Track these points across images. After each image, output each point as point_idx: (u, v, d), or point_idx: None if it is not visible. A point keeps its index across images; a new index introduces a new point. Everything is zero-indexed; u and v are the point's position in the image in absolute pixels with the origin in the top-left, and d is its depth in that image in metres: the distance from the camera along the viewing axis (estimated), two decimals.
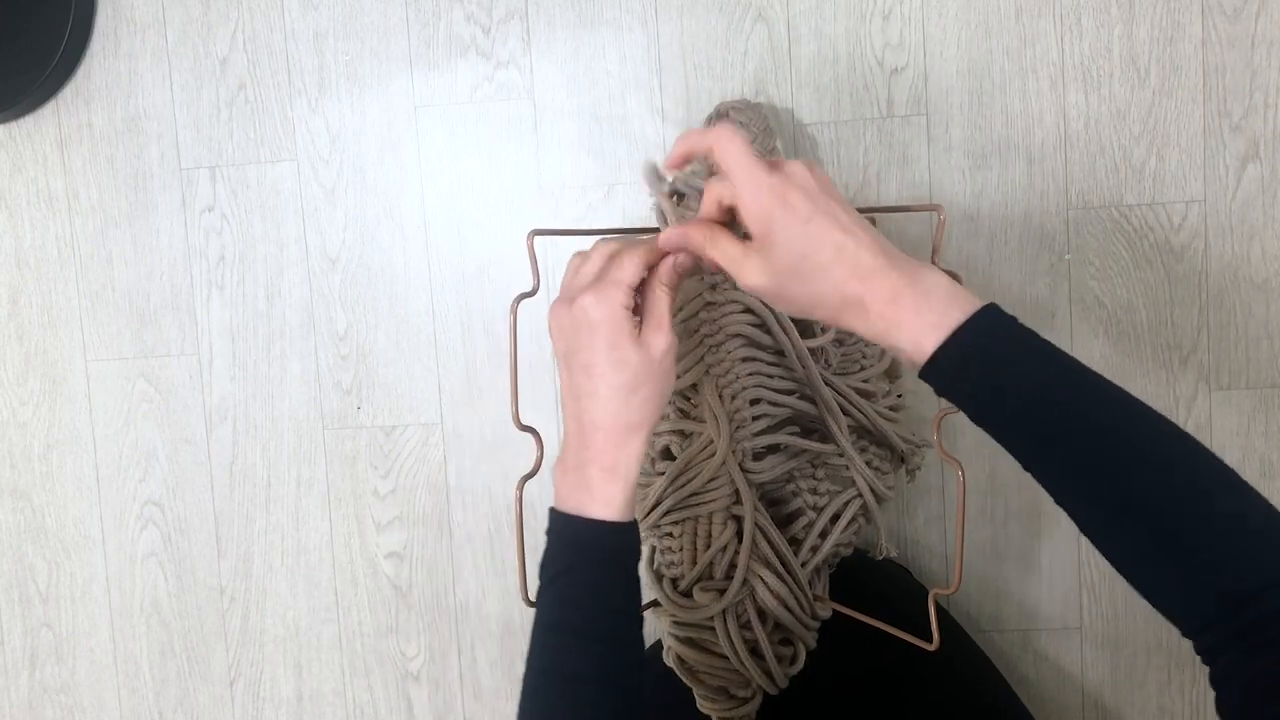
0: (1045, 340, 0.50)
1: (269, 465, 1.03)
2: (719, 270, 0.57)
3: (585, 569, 0.57)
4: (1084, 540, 1.00)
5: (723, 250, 0.55)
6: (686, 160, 0.57)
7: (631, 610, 0.59)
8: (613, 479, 0.57)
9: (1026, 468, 0.50)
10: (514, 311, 0.64)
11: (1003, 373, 0.49)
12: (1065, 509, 0.49)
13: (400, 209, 1.00)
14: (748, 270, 0.54)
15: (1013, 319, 0.50)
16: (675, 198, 0.66)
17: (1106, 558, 0.49)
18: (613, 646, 0.58)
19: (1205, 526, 0.45)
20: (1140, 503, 0.46)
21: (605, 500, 0.57)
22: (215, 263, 1.02)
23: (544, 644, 0.59)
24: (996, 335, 0.50)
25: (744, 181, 0.53)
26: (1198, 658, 0.46)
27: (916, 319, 0.50)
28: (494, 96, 0.98)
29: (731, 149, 0.53)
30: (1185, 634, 0.46)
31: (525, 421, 0.64)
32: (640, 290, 0.58)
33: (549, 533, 0.59)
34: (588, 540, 0.57)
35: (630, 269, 0.57)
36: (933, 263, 0.64)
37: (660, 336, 0.57)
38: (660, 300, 0.58)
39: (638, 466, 0.58)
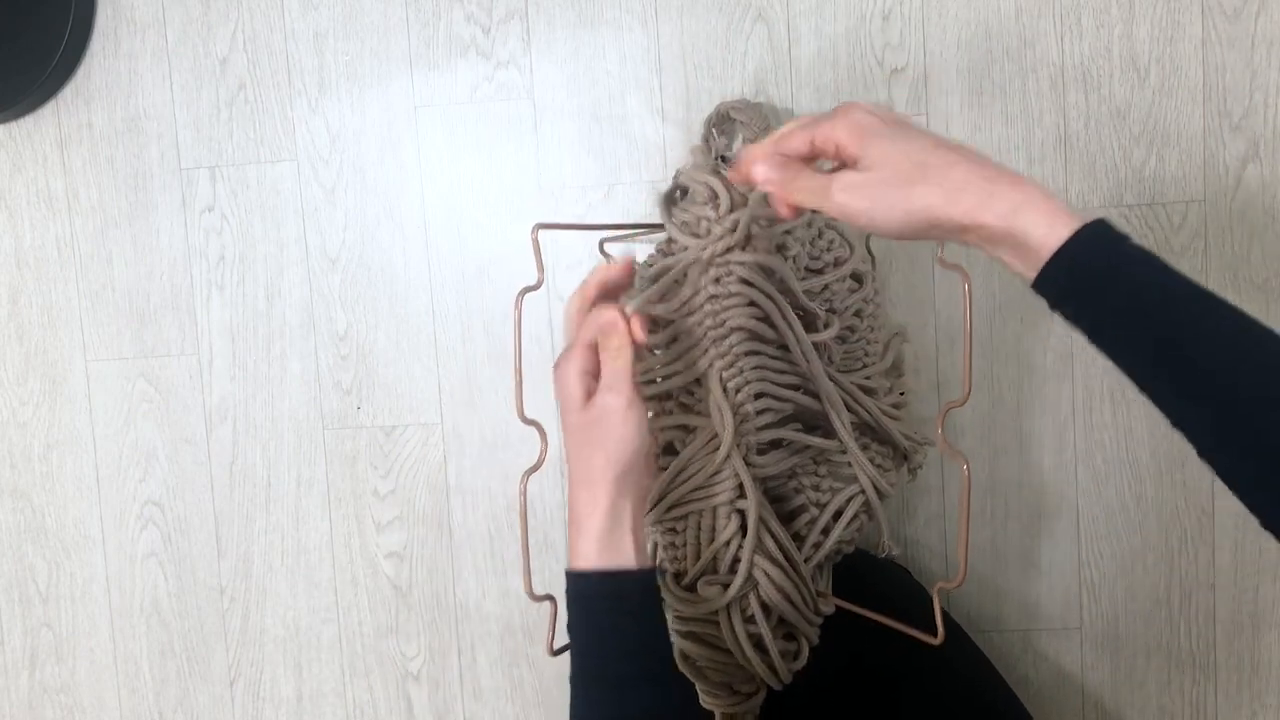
0: (1159, 260, 0.49)
1: (269, 465, 1.03)
2: (795, 214, 0.57)
3: (581, 619, 0.60)
4: (1084, 540, 1.01)
5: (805, 183, 0.55)
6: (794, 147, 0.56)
7: (634, 652, 0.60)
8: (576, 530, 0.60)
9: (1144, 379, 0.48)
10: (518, 305, 0.64)
11: (1132, 272, 0.47)
12: (1182, 430, 0.47)
13: (400, 209, 1.00)
14: (838, 192, 0.52)
15: (1127, 235, 0.49)
16: (723, 160, 0.67)
17: (1225, 482, 0.47)
18: (622, 687, 0.59)
19: None
20: (1259, 418, 0.45)
21: (574, 550, 0.60)
22: (215, 263, 1.02)
23: (573, 694, 0.61)
24: (1121, 237, 0.48)
25: (832, 119, 0.53)
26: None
27: (1049, 202, 0.48)
28: (494, 96, 0.98)
29: (802, 122, 0.55)
30: None
31: (528, 416, 0.65)
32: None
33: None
34: (571, 590, 0.61)
35: (588, 331, 0.60)
36: (939, 256, 0.64)
37: (597, 398, 0.59)
38: (603, 363, 0.60)
39: (602, 518, 0.60)
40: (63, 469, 1.05)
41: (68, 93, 1.02)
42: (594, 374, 0.60)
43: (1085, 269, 0.47)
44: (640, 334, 0.60)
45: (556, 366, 0.61)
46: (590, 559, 0.59)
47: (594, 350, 0.60)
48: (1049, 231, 0.48)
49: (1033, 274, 0.49)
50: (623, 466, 0.59)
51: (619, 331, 0.59)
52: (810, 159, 0.56)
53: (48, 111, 1.02)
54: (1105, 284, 0.47)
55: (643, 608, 0.61)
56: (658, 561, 0.76)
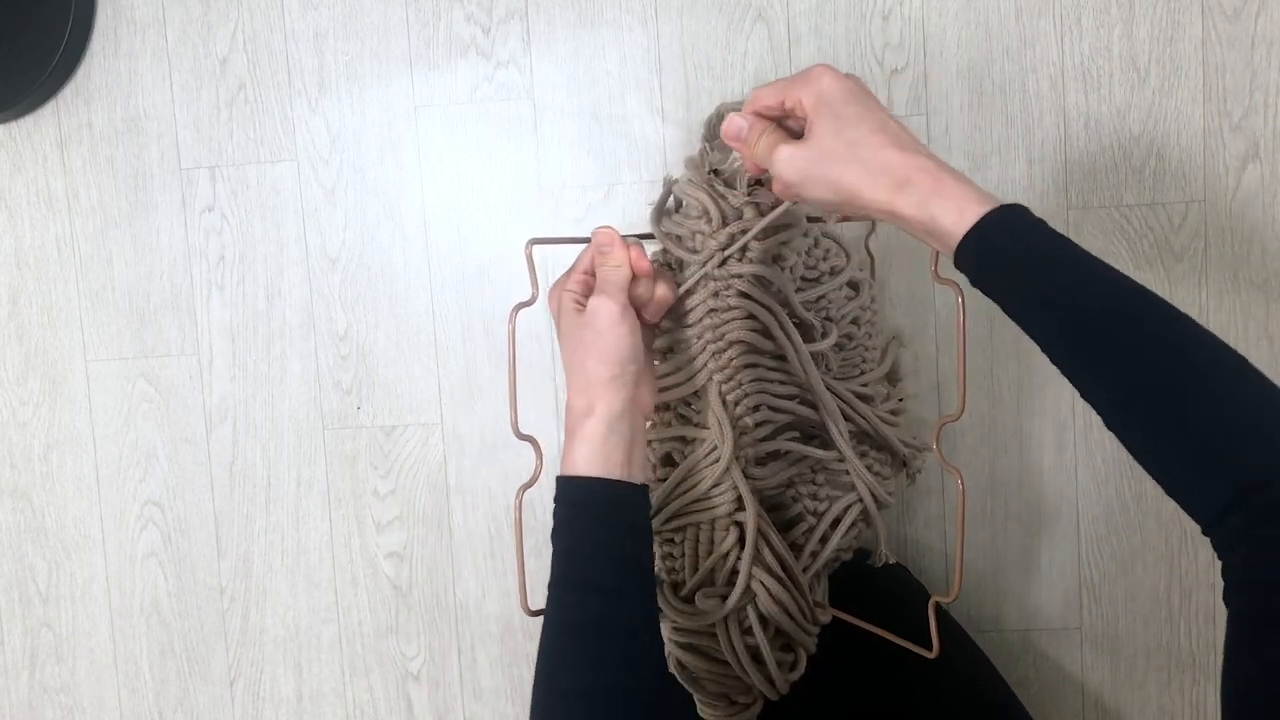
0: (1070, 241, 0.52)
1: (269, 465, 1.03)
2: (759, 171, 0.61)
3: (565, 522, 0.61)
4: (1084, 540, 1.01)
5: (766, 142, 0.58)
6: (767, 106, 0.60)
7: (615, 558, 0.61)
8: (570, 437, 0.62)
9: (1049, 351, 0.51)
10: (512, 320, 0.64)
11: (1040, 250, 0.51)
12: (1090, 402, 0.50)
13: (400, 209, 1.00)
14: (781, 157, 0.57)
15: (1042, 220, 0.53)
16: (714, 174, 0.68)
17: (1127, 448, 0.49)
18: (605, 593, 0.60)
19: (1219, 413, 0.46)
20: (1158, 389, 0.47)
21: (568, 457, 0.61)
22: (215, 263, 1.02)
23: (548, 598, 0.61)
24: (1030, 222, 0.52)
25: (795, 75, 0.57)
26: (1216, 562, 0.46)
27: (958, 191, 0.52)
28: (494, 96, 0.98)
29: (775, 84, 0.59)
30: (1203, 528, 0.47)
31: (527, 425, 0.65)
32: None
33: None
34: (559, 494, 0.62)
35: (584, 258, 0.64)
36: (932, 271, 0.65)
37: (590, 300, 0.61)
38: (601, 275, 0.62)
39: (599, 424, 0.61)
40: (63, 469, 1.05)
41: (68, 93, 1.02)
42: (588, 297, 0.62)
43: (990, 247, 0.51)
44: (642, 263, 0.62)
45: (552, 290, 0.64)
46: (579, 465, 0.60)
47: (591, 276, 0.63)
48: (959, 219, 0.52)
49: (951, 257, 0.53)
50: (616, 368, 0.61)
51: (618, 247, 0.62)
52: (783, 117, 0.59)
53: (48, 111, 1.02)
54: (1009, 260, 0.51)
55: (629, 521, 0.62)
56: (656, 572, 0.76)
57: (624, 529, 0.61)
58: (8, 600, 1.07)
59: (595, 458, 0.60)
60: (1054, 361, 0.51)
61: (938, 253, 0.65)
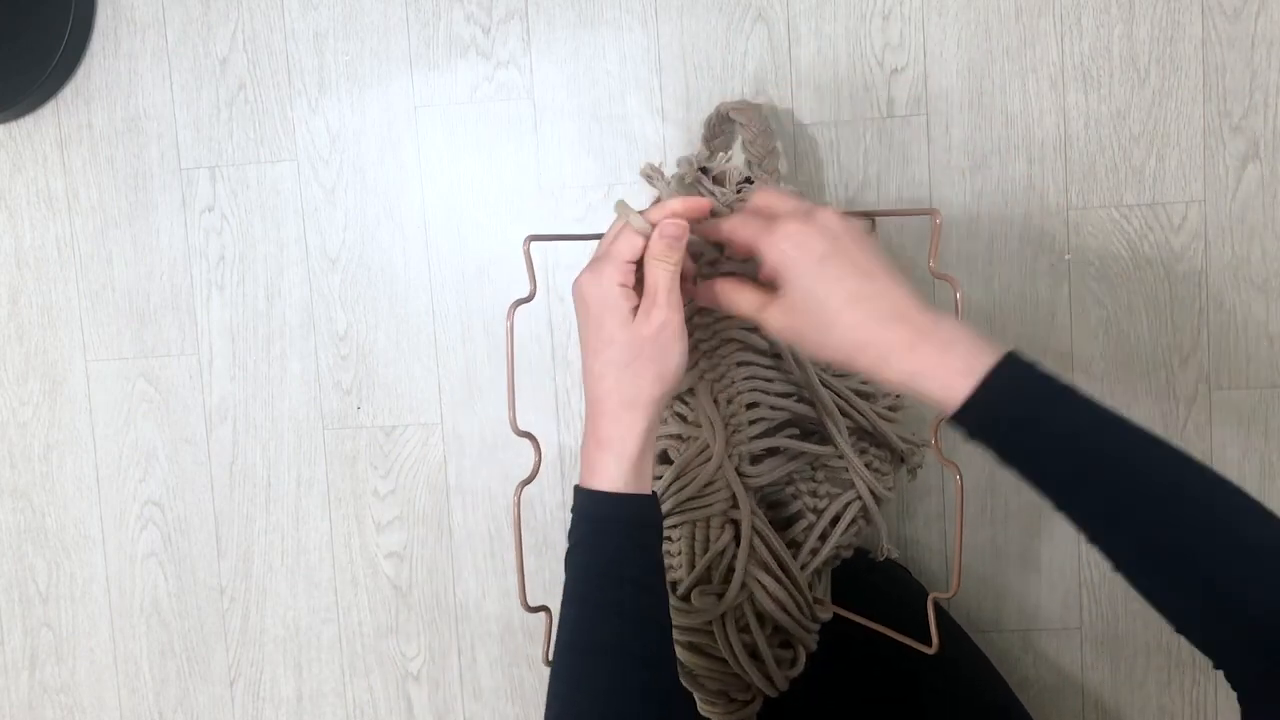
0: (1068, 384, 0.50)
1: (269, 465, 1.03)
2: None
3: (592, 538, 0.59)
4: (1084, 540, 1.00)
5: (745, 299, 0.57)
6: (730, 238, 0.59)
7: (642, 581, 0.59)
8: (605, 451, 0.58)
9: (1058, 508, 0.50)
10: (511, 317, 0.64)
11: (1033, 418, 0.49)
12: (1098, 548, 0.50)
13: (400, 209, 1.00)
14: (767, 316, 0.55)
15: (1034, 363, 0.51)
16: (703, 172, 0.67)
17: (1141, 594, 0.49)
18: (627, 617, 0.58)
19: (1236, 562, 0.45)
20: (1170, 541, 0.47)
21: (599, 471, 0.58)
22: (215, 263, 1.02)
23: (563, 617, 0.59)
24: (1025, 382, 0.50)
25: (762, 235, 0.54)
26: (1226, 684, 0.47)
27: (941, 366, 0.50)
28: (494, 96, 0.98)
29: (748, 217, 0.56)
30: (1223, 671, 0.47)
31: (525, 424, 0.64)
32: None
33: (572, 509, 0.61)
34: (588, 510, 0.59)
35: (625, 245, 0.58)
36: (930, 265, 0.64)
37: (655, 312, 0.57)
38: (655, 275, 0.58)
39: (637, 441, 0.58)
40: (63, 469, 1.05)
41: (68, 93, 1.02)
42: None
43: (983, 425, 0.50)
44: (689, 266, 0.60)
45: (587, 279, 0.58)
46: (616, 482, 0.58)
47: (634, 266, 0.58)
48: (945, 395, 0.50)
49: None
50: (668, 387, 0.58)
51: (683, 243, 0.58)
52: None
53: (48, 111, 1.02)
54: (1003, 435, 0.50)
55: (653, 539, 0.61)
56: None
57: (652, 549, 0.60)
58: (8, 600, 1.07)
59: (631, 474, 0.58)
60: (1061, 511, 0.51)
61: (935, 248, 0.65)
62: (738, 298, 0.58)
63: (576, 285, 0.59)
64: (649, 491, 0.60)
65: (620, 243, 0.58)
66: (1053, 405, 0.50)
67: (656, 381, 0.58)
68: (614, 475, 0.58)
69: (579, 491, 0.60)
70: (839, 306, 0.52)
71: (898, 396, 0.78)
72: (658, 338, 0.57)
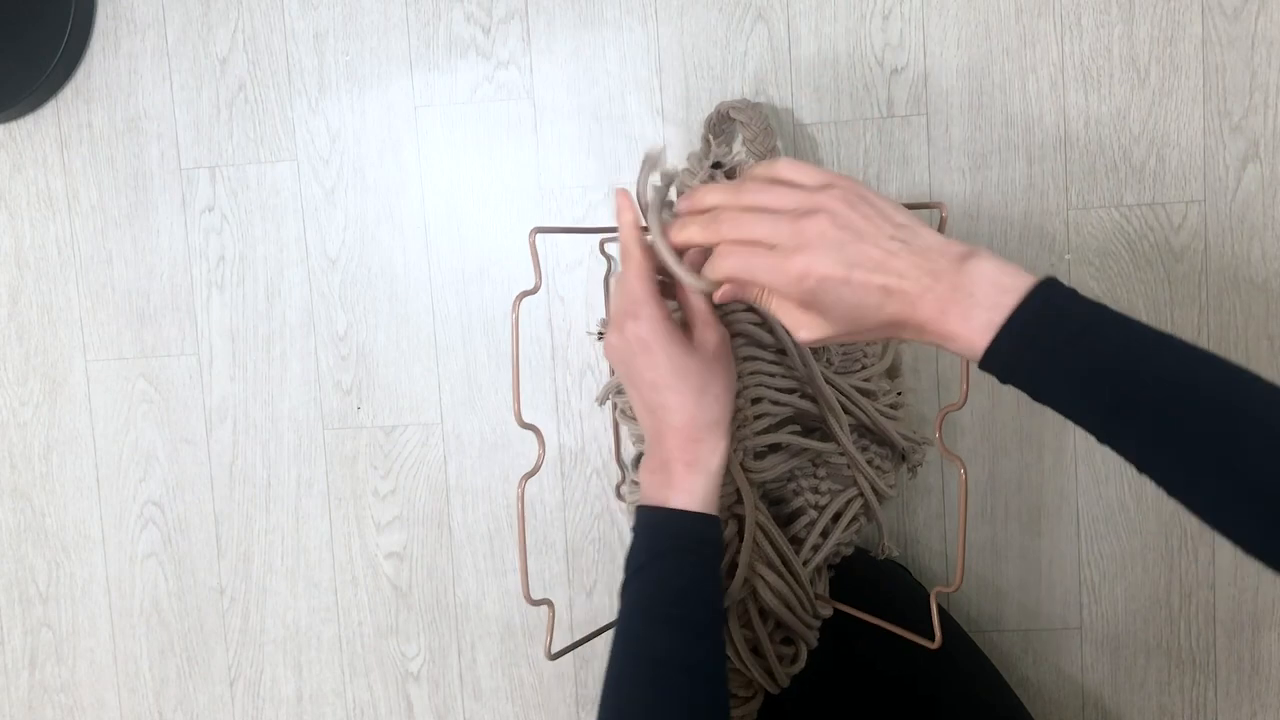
0: (1101, 307, 0.49)
1: (269, 465, 1.03)
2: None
3: (670, 556, 0.60)
4: (1084, 540, 1.01)
5: (780, 315, 0.56)
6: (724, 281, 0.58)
7: (712, 603, 0.61)
8: (693, 471, 0.60)
9: (1101, 441, 0.50)
10: (516, 309, 0.64)
11: (1058, 354, 0.48)
12: (1147, 474, 0.49)
13: (400, 209, 1.00)
14: (803, 329, 0.54)
15: (1068, 292, 0.50)
16: (716, 167, 0.68)
17: (1195, 514, 0.48)
18: (698, 634, 0.59)
19: None
20: (1222, 456, 0.46)
21: (686, 490, 0.60)
22: (215, 263, 1.02)
23: (628, 631, 0.60)
24: (1046, 319, 0.49)
25: (770, 278, 0.53)
26: None
27: (966, 326, 0.50)
28: (494, 96, 0.98)
29: (739, 266, 0.54)
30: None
31: (525, 420, 0.65)
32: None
33: (634, 529, 0.62)
34: (670, 529, 0.60)
35: (638, 285, 0.59)
36: None
37: (710, 333, 0.59)
38: (696, 300, 0.60)
39: (720, 460, 0.60)
40: (63, 469, 1.05)
41: (68, 93, 1.02)
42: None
43: (1009, 372, 0.50)
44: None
45: (636, 325, 0.58)
46: (703, 501, 0.59)
47: (664, 278, 0.59)
48: (971, 355, 0.50)
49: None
50: (733, 396, 0.61)
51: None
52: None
53: (48, 111, 1.02)
54: (1031, 380, 0.50)
55: (719, 560, 0.62)
56: None
57: (719, 570, 0.61)
58: (8, 600, 1.07)
59: (711, 495, 0.60)
60: (1101, 440, 0.50)
61: None
62: (783, 313, 0.56)
63: (626, 333, 0.59)
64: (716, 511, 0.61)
65: (636, 283, 0.59)
66: (1076, 339, 0.48)
67: (728, 395, 0.60)
68: (701, 494, 0.60)
69: (657, 512, 0.60)
70: (875, 306, 0.51)
71: (899, 394, 0.78)
72: (720, 356, 0.60)
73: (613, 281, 0.62)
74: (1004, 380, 0.51)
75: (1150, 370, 0.47)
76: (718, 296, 0.58)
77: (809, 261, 0.51)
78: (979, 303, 0.49)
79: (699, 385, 0.59)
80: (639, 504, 0.62)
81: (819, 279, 0.51)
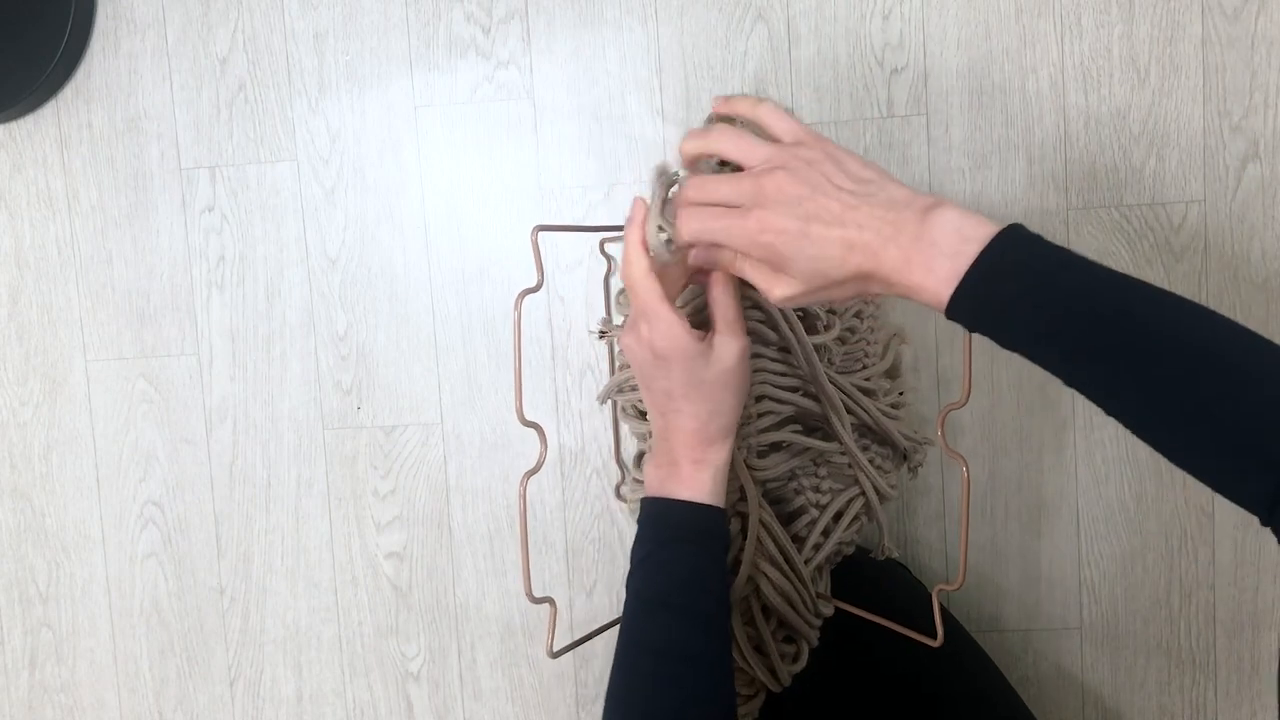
0: (1065, 251, 0.49)
1: (269, 465, 1.03)
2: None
3: (673, 546, 0.60)
4: (1084, 540, 1.01)
5: (752, 277, 0.57)
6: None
7: (716, 593, 0.61)
8: (701, 468, 0.61)
9: (1068, 384, 0.50)
10: (518, 307, 0.64)
11: (1020, 299, 0.49)
12: (1114, 417, 0.49)
13: (400, 209, 1.00)
14: (775, 288, 0.55)
15: (1032, 238, 0.50)
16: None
17: (1165, 456, 0.48)
18: (701, 624, 0.60)
19: (1255, 404, 0.45)
20: (1190, 399, 0.46)
21: (692, 484, 0.61)
22: (215, 263, 1.02)
23: (632, 620, 0.61)
24: (1008, 265, 0.49)
25: (732, 236, 0.54)
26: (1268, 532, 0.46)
27: (930, 276, 0.50)
28: (494, 96, 0.98)
29: (700, 227, 0.55)
30: (1260, 520, 0.46)
31: (527, 418, 0.65)
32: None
33: (640, 520, 0.62)
34: (675, 519, 0.61)
35: (646, 289, 0.58)
36: None
37: (732, 342, 0.59)
38: (722, 302, 0.60)
39: (726, 456, 0.62)
40: (63, 469, 1.05)
41: (68, 93, 1.02)
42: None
43: (973, 319, 0.50)
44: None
45: (655, 333, 0.58)
46: (706, 493, 0.60)
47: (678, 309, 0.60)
48: (937, 304, 0.50)
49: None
50: (744, 402, 0.61)
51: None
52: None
53: (48, 111, 1.02)
54: (995, 325, 0.50)
55: (725, 552, 0.63)
56: None
57: (724, 562, 0.62)
58: (8, 600, 1.07)
59: (718, 489, 0.61)
60: (1069, 384, 0.50)
61: None
62: (749, 274, 0.57)
63: (641, 341, 0.59)
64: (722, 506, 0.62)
65: (650, 288, 0.59)
66: (1038, 284, 0.49)
67: (740, 403, 0.61)
68: (709, 488, 0.61)
69: (663, 503, 0.61)
70: (838, 258, 0.51)
71: (901, 394, 0.78)
72: (738, 366, 0.60)
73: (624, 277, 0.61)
74: (971, 328, 0.51)
75: (1113, 313, 0.48)
76: (690, 260, 0.58)
77: (766, 216, 0.52)
78: (942, 251, 0.50)
79: (713, 396, 0.60)
80: (644, 496, 0.63)
81: (776, 233, 0.52)
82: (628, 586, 0.62)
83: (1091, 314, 0.48)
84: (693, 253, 0.58)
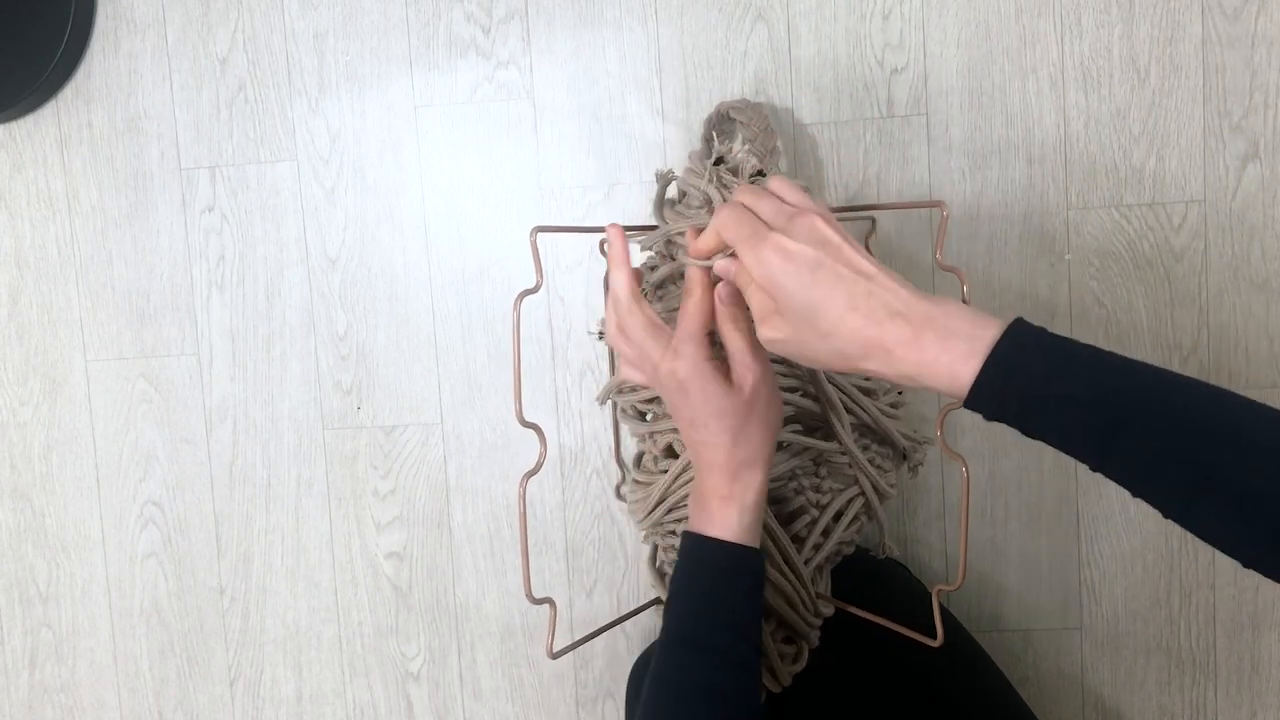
0: (1079, 343, 0.49)
1: (269, 465, 1.03)
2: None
3: (703, 582, 0.60)
4: (1084, 540, 1.01)
5: (737, 332, 0.58)
6: (715, 251, 0.59)
7: (742, 630, 0.61)
8: (728, 505, 0.60)
9: (1095, 469, 0.49)
10: (517, 308, 0.64)
11: (1048, 385, 0.48)
12: (1143, 499, 0.49)
13: (400, 209, 1.00)
14: (764, 327, 0.55)
15: (1042, 329, 0.50)
16: (719, 163, 0.68)
17: (1197, 535, 0.48)
18: (722, 661, 0.59)
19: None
20: (1218, 477, 0.46)
21: (722, 522, 0.60)
22: (215, 263, 1.02)
23: (663, 656, 0.61)
24: (1031, 349, 0.49)
25: (746, 247, 0.54)
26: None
27: (945, 354, 0.49)
28: (494, 96, 0.98)
29: (729, 222, 0.55)
30: None
31: (526, 419, 0.65)
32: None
33: (679, 553, 0.63)
34: (705, 556, 0.61)
35: (697, 319, 0.59)
36: (935, 258, 0.65)
37: (749, 373, 0.59)
38: (734, 339, 0.60)
39: (756, 494, 0.61)
40: (63, 469, 1.05)
41: (68, 93, 1.02)
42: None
43: (995, 405, 0.49)
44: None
45: (675, 365, 0.59)
46: (739, 533, 0.60)
47: (710, 335, 0.60)
48: (952, 386, 0.49)
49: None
50: (776, 433, 0.61)
51: (737, 299, 0.59)
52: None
53: (48, 111, 1.02)
54: (1017, 411, 0.49)
55: (759, 591, 0.62)
56: (658, 565, 0.76)
57: (758, 600, 0.62)
58: (8, 600, 1.07)
59: (752, 525, 0.61)
60: (1099, 470, 0.49)
61: (941, 241, 0.66)
62: (730, 330, 0.59)
63: (662, 373, 0.60)
64: (759, 545, 0.62)
65: (691, 320, 0.60)
66: (1063, 370, 0.48)
67: (768, 434, 0.60)
68: (736, 526, 0.60)
69: (693, 538, 0.61)
70: (840, 313, 0.51)
71: (900, 393, 0.78)
72: (759, 394, 0.59)
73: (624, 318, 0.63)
74: (992, 414, 0.50)
75: (1139, 393, 0.47)
76: (717, 269, 0.58)
77: (785, 240, 0.52)
78: (955, 333, 0.49)
79: (736, 425, 0.59)
80: (684, 530, 0.63)
81: (785, 258, 0.52)
82: (664, 619, 0.63)
83: (1120, 396, 0.48)
84: (717, 264, 0.58)
